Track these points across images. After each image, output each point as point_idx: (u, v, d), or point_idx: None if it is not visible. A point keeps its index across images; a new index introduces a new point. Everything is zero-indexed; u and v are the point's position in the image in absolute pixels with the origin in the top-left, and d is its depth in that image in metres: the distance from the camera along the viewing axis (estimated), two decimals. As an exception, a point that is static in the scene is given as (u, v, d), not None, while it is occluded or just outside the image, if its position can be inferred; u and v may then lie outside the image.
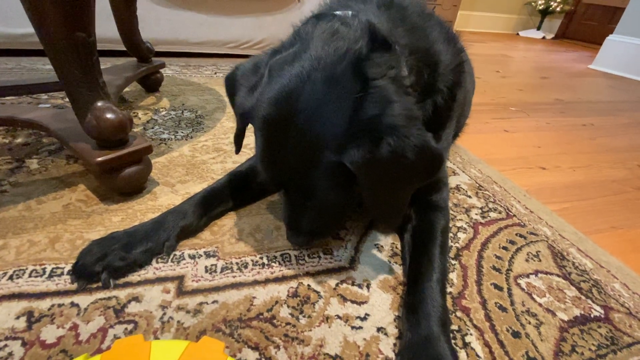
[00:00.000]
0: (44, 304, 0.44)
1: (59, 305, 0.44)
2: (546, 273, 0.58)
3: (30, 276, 0.48)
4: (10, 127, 0.84)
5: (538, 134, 1.21)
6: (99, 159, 0.57)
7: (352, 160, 0.39)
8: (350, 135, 0.39)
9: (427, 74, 0.49)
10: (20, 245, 0.53)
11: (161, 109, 1.09)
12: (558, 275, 0.58)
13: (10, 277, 0.47)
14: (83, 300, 0.45)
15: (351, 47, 0.41)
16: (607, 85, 2.10)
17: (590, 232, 0.71)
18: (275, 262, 0.54)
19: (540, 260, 0.61)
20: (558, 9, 3.87)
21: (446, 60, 0.52)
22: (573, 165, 1.01)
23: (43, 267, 0.49)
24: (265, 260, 0.55)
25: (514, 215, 0.72)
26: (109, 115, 0.57)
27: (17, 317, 0.42)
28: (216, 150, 0.86)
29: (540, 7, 3.93)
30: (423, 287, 0.47)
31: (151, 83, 1.21)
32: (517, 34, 4.19)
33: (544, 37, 4.01)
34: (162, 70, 1.24)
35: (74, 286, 0.47)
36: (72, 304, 0.45)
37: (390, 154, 0.38)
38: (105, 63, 1.60)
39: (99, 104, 0.57)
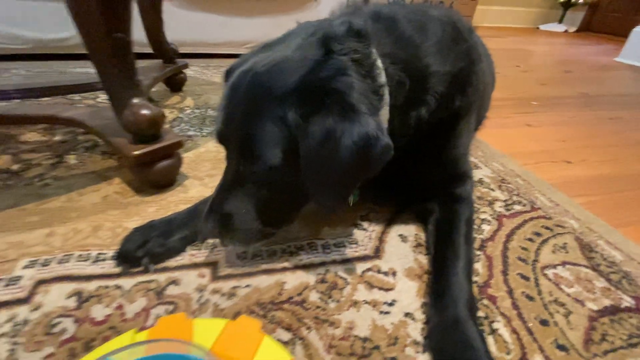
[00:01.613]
0: (91, 286, 0.48)
1: (105, 287, 0.48)
2: (574, 264, 0.58)
3: (77, 260, 0.51)
4: (51, 124, 0.90)
5: (562, 128, 1.19)
6: (136, 152, 0.61)
7: (294, 116, 0.40)
8: (298, 92, 0.41)
9: (409, 85, 0.48)
10: (66, 232, 0.57)
11: (186, 108, 1.13)
12: (586, 267, 0.57)
13: (60, 261, 0.51)
14: (126, 282, 0.48)
15: (327, 31, 0.45)
16: (634, 78, 2.03)
17: (618, 225, 0.69)
18: (302, 251, 0.56)
19: (567, 252, 0.60)
20: (581, 0, 3.74)
21: (442, 70, 0.51)
22: (600, 159, 0.99)
23: (88, 252, 0.53)
24: (292, 249, 0.57)
25: (539, 208, 0.71)
26: (144, 111, 0.60)
27: (68, 297, 0.46)
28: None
29: (562, 0, 3.82)
30: (449, 274, 0.48)
31: (175, 83, 1.26)
32: (538, 27, 4.08)
33: (566, 31, 3.89)
34: (184, 71, 1.28)
35: (118, 270, 0.50)
36: (117, 286, 0.48)
37: (330, 121, 0.39)
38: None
39: (135, 100, 0.61)
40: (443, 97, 0.52)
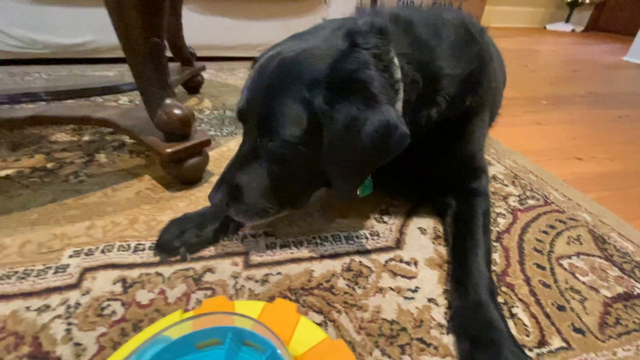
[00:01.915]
0: (134, 273, 0.51)
1: (146, 274, 0.51)
2: (588, 255, 0.60)
3: (118, 250, 0.55)
4: (84, 124, 0.94)
5: (572, 126, 1.21)
6: (169, 150, 0.64)
7: (320, 101, 0.43)
8: (327, 79, 0.44)
9: (422, 85, 0.51)
10: (105, 225, 0.60)
11: (205, 109, 1.17)
12: (600, 257, 0.60)
13: (102, 251, 0.55)
14: (165, 270, 0.52)
15: (352, 26, 0.49)
16: (644, 77, 2.03)
17: (630, 219, 0.71)
18: (327, 242, 0.59)
19: (581, 244, 0.62)
20: (587, 0, 3.74)
21: (453, 73, 0.53)
22: (610, 156, 1.00)
23: (127, 243, 0.56)
24: (318, 240, 0.60)
25: (552, 203, 0.73)
26: (176, 111, 0.64)
27: (114, 283, 0.49)
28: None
29: (569, -1, 3.82)
30: (469, 261, 0.51)
31: (193, 85, 1.30)
32: (545, 27, 4.08)
33: (573, 30, 3.88)
34: (201, 73, 1.32)
35: (157, 259, 0.54)
36: (157, 274, 0.51)
37: (354, 109, 0.42)
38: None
39: (168, 101, 0.64)
40: (453, 98, 0.54)
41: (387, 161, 0.47)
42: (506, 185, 0.79)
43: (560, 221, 0.68)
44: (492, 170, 0.85)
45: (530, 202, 0.73)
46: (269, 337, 0.33)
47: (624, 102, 1.52)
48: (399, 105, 0.50)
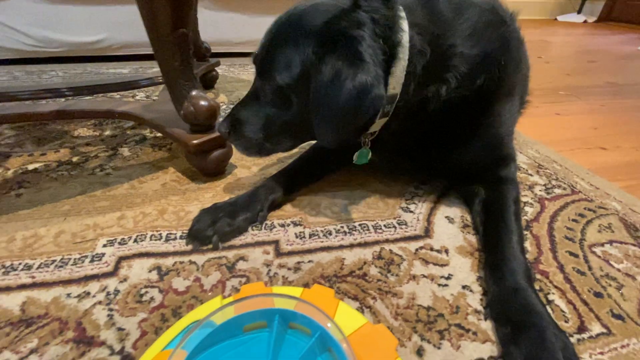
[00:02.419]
0: (168, 261, 0.52)
1: (181, 263, 0.52)
2: (621, 242, 0.59)
3: (150, 240, 0.56)
4: (108, 118, 0.95)
5: (593, 116, 1.18)
6: (195, 141, 0.65)
7: (311, 52, 0.47)
8: (319, 33, 0.47)
9: (430, 57, 0.51)
10: (135, 215, 0.61)
11: (221, 104, 1.18)
12: (633, 245, 0.58)
13: (135, 240, 0.55)
14: (199, 259, 0.52)
15: None
16: (662, 67, 1.98)
17: (661, 207, 0.70)
18: (355, 231, 0.59)
19: (613, 232, 0.61)
20: (601, -10, 3.66)
21: (468, 52, 0.53)
22: (634, 145, 0.98)
23: (159, 232, 0.57)
24: (346, 229, 0.60)
25: (580, 192, 0.72)
26: (202, 102, 0.64)
27: (150, 271, 0.50)
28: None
29: (581, -10, 3.74)
30: (503, 247, 0.50)
31: (208, 80, 1.30)
32: (555, 19, 4.01)
33: (585, 21, 3.81)
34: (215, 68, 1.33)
35: (189, 247, 0.54)
36: (191, 262, 0.52)
37: (339, 64, 0.45)
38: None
39: (194, 92, 0.65)
40: (465, 77, 0.53)
41: (364, 120, 0.49)
42: (531, 175, 0.78)
43: (590, 209, 0.67)
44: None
45: (557, 191, 0.72)
46: (314, 316, 0.33)
47: (644, 92, 1.49)
48: (399, 71, 0.50)
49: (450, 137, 0.61)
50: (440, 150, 0.63)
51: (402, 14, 0.50)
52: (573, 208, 0.67)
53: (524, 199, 0.69)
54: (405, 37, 0.49)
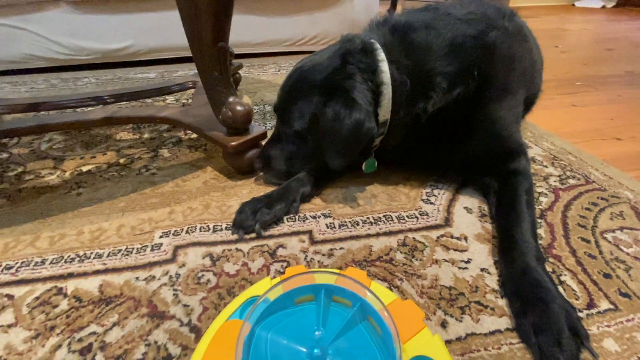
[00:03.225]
0: (217, 249, 0.59)
1: (229, 250, 0.59)
2: (631, 229, 0.63)
3: (200, 231, 0.63)
4: (150, 123, 1.04)
5: (609, 107, 1.20)
6: (233, 143, 0.72)
7: (317, 101, 0.62)
8: (322, 86, 0.62)
9: (411, 85, 0.62)
10: (184, 210, 0.69)
11: (249, 105, 1.24)
12: (644, 231, 0.62)
13: (187, 232, 0.63)
14: (244, 246, 0.60)
15: (347, 48, 0.64)
16: (685, 52, 1.94)
17: (674, 195, 0.73)
18: (380, 221, 0.65)
19: (624, 219, 0.65)
20: (621, -27, 3.54)
21: (446, 70, 0.62)
22: (650, 135, 1.00)
23: (207, 224, 0.65)
24: (371, 220, 0.66)
25: (594, 182, 0.76)
26: (239, 108, 0.71)
27: (203, 257, 0.58)
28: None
29: (600, -26, 3.63)
30: (514, 232, 0.55)
31: (232, 83, 1.37)
32: (573, 4, 3.90)
33: (603, 6, 3.70)
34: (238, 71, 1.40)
35: (235, 237, 0.61)
36: (237, 249, 0.59)
37: (338, 107, 0.59)
38: (183, 68, 1.80)
39: (231, 99, 0.71)
40: (447, 91, 0.62)
41: (362, 146, 0.63)
42: (546, 167, 0.82)
43: (602, 198, 0.71)
44: (530, 153, 0.88)
45: (571, 181, 0.76)
46: (354, 288, 0.40)
47: (663, 80, 1.48)
48: (386, 102, 0.63)
49: (448, 138, 0.68)
50: (443, 150, 0.70)
51: (381, 56, 0.62)
52: (586, 197, 0.71)
53: (538, 190, 0.74)
54: (386, 76, 0.62)
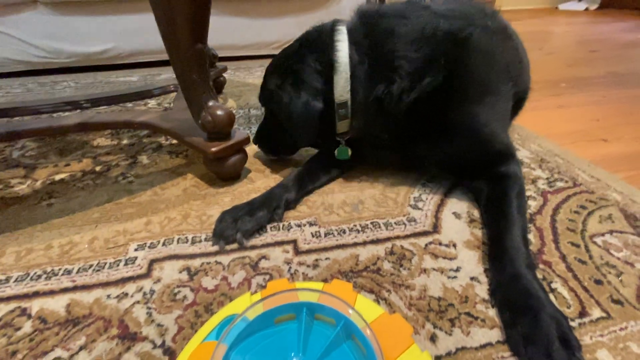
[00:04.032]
0: (196, 262, 0.56)
1: (207, 263, 0.56)
2: (621, 232, 0.62)
3: (177, 243, 0.60)
4: (127, 128, 1.00)
5: (595, 108, 1.21)
6: (213, 149, 0.69)
7: (274, 85, 0.68)
8: (278, 71, 0.69)
9: (369, 64, 0.63)
10: (161, 221, 0.65)
11: (230, 109, 1.21)
12: (633, 234, 0.61)
13: (163, 244, 0.60)
14: (224, 259, 0.56)
15: (309, 31, 0.70)
16: (665, 54, 1.98)
17: (660, 197, 0.72)
18: (367, 229, 0.63)
19: (613, 222, 0.64)
20: (602, -24, 3.63)
21: (410, 55, 0.60)
22: (636, 136, 1.01)
23: (185, 236, 0.61)
24: (358, 227, 0.63)
25: (581, 184, 0.75)
26: (219, 112, 0.68)
27: (180, 272, 0.54)
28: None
29: (582, -23, 3.71)
30: (504, 239, 0.53)
31: (216, 86, 1.34)
32: (557, 7, 3.98)
33: (587, 9, 3.78)
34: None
35: (215, 249, 0.58)
36: (217, 262, 0.56)
37: (290, 89, 0.65)
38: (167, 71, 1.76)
39: (210, 103, 0.68)
40: (416, 77, 0.60)
41: (315, 123, 0.65)
42: (534, 169, 0.81)
43: (591, 201, 0.70)
44: (518, 155, 0.87)
45: (559, 184, 0.75)
46: (337, 306, 0.37)
47: (646, 80, 1.50)
48: (342, 81, 0.63)
49: (428, 134, 0.65)
50: (424, 148, 0.67)
51: (340, 37, 0.64)
52: (575, 200, 0.70)
53: (527, 193, 0.72)
54: (342, 54, 0.62)
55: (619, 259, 0.56)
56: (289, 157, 0.87)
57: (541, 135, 0.98)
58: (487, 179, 0.67)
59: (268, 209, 0.63)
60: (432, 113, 0.63)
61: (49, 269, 0.56)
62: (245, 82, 1.53)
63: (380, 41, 0.62)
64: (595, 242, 0.60)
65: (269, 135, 0.80)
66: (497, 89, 0.66)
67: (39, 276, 0.55)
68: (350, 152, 0.74)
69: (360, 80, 0.62)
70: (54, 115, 1.11)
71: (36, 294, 0.51)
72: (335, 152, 0.73)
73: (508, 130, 0.71)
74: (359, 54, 0.62)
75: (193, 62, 0.63)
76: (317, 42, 0.65)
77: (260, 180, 0.78)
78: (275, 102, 0.69)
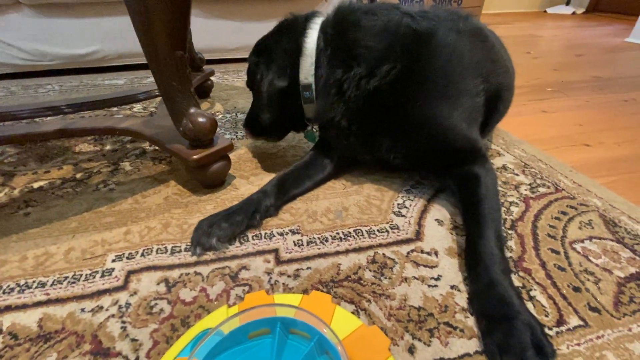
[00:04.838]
0: (174, 274, 0.55)
1: (186, 274, 0.55)
2: (600, 238, 0.63)
3: (157, 253, 0.59)
4: (109, 135, 0.98)
5: (578, 113, 1.22)
6: (195, 156, 0.68)
7: (252, 63, 0.77)
8: (255, 50, 0.78)
9: (332, 50, 0.66)
10: (141, 230, 0.64)
11: (217, 113, 1.20)
12: (612, 240, 0.62)
13: (142, 254, 0.59)
14: (203, 269, 0.56)
15: (287, 18, 0.75)
16: (648, 58, 2.02)
17: (639, 202, 0.74)
18: (350, 237, 0.63)
19: (593, 228, 0.65)
20: (588, -19, 3.70)
21: (371, 45, 0.63)
22: (617, 141, 1.02)
23: (164, 246, 0.60)
24: (341, 235, 0.63)
25: (563, 190, 0.76)
26: (201, 119, 0.67)
27: (158, 284, 0.53)
28: (275, 146, 0.96)
29: (569, -18, 3.77)
30: (477, 244, 0.54)
31: (203, 90, 1.33)
32: (545, 11, 4.05)
33: (574, 13, 3.85)
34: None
35: (194, 259, 0.57)
36: (196, 273, 0.55)
37: (263, 67, 0.74)
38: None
39: (192, 110, 0.67)
40: (375, 66, 0.62)
41: (278, 101, 0.72)
42: (517, 175, 0.82)
43: (572, 207, 0.71)
44: (501, 161, 0.88)
45: (542, 189, 0.76)
46: (312, 322, 0.37)
47: (629, 85, 1.53)
48: (306, 61, 0.68)
49: (390, 125, 0.66)
50: (388, 139, 0.67)
51: (312, 26, 0.69)
52: (556, 206, 0.71)
53: (509, 199, 0.73)
54: (310, 40, 0.68)
55: (597, 265, 0.57)
56: (276, 142, 0.94)
57: (525, 141, 0.99)
58: (457, 178, 0.66)
59: (245, 214, 0.62)
60: (393, 104, 0.64)
61: (22, 282, 0.54)
62: (233, 86, 1.52)
63: (345, 31, 0.66)
64: (574, 249, 0.60)
65: (255, 116, 0.81)
66: (462, 84, 0.65)
67: (12, 289, 0.53)
68: (317, 134, 0.81)
69: (324, 65, 0.67)
70: (37, 120, 1.09)
71: (8, 309, 0.50)
72: (304, 133, 0.84)
73: (476, 128, 0.69)
74: (325, 41, 0.67)
75: (172, 69, 0.62)
76: (292, 28, 0.71)
77: (244, 187, 0.77)
78: (250, 79, 0.78)
